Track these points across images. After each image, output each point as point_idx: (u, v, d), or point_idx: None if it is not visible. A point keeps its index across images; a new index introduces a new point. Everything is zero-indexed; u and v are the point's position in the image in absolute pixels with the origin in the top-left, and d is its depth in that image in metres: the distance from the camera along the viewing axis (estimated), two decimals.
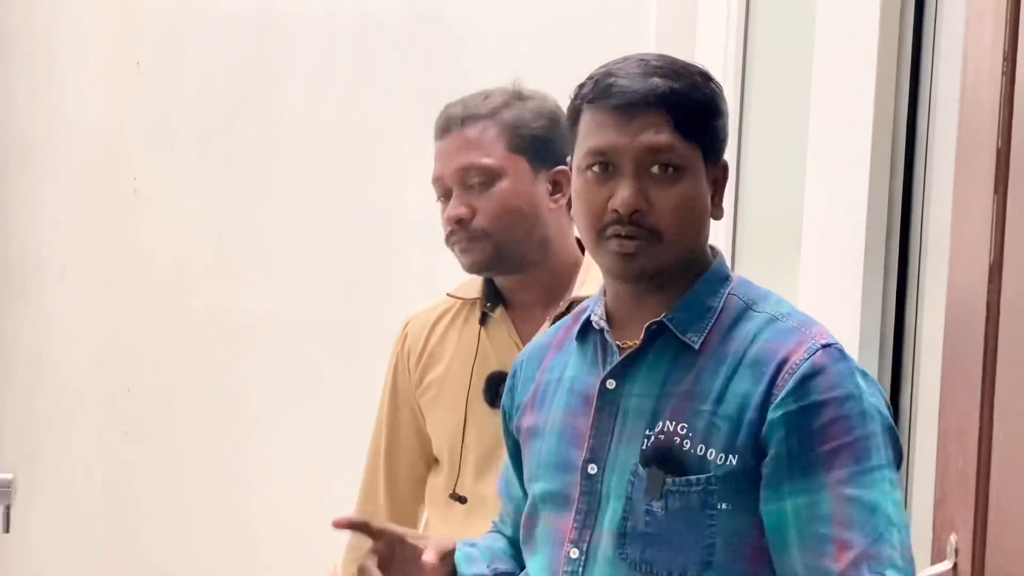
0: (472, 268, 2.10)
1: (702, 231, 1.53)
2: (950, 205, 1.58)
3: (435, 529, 2.21)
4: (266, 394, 3.64)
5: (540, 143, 2.12)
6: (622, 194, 1.46)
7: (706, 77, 1.51)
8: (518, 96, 2.15)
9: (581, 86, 1.52)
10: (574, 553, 1.50)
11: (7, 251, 3.73)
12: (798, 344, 1.44)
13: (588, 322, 1.59)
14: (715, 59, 3.06)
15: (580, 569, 1.49)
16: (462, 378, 2.14)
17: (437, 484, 2.22)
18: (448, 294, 2.22)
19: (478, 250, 2.06)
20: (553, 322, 2.06)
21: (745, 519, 1.42)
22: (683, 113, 1.47)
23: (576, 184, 1.52)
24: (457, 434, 2.13)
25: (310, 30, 3.61)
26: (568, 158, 1.57)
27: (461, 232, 2.06)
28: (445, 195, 2.11)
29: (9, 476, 2.29)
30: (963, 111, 1.46)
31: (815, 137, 2.33)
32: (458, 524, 2.14)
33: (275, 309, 3.65)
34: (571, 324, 1.66)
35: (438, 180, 2.12)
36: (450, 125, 2.11)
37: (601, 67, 1.51)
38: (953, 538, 1.38)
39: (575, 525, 1.51)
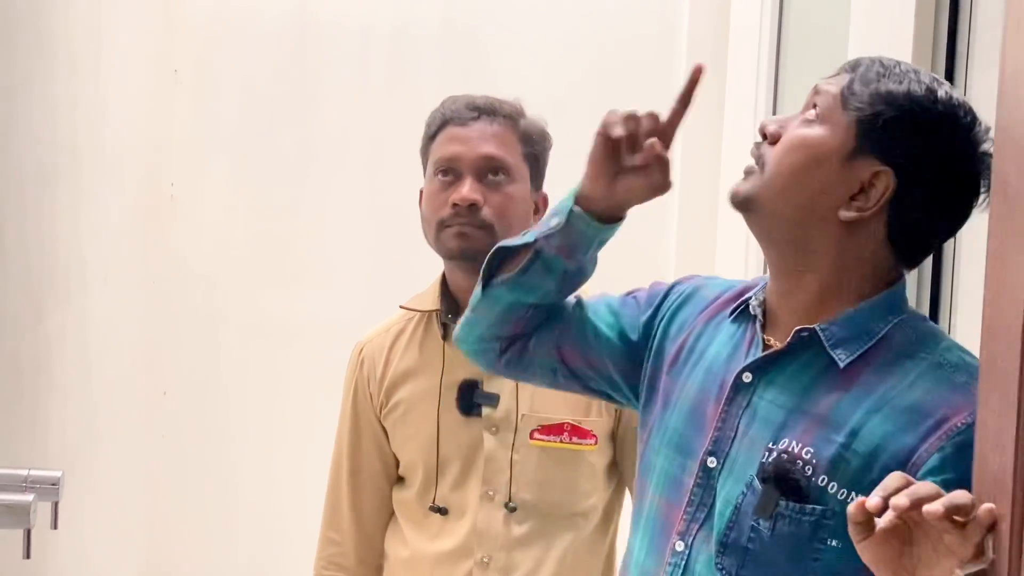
0: (461, 254, 2.09)
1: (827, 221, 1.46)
2: (984, 216, 1.60)
3: (411, 540, 2.19)
4: (302, 399, 3.66)
5: (539, 163, 2.15)
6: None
7: None
8: (524, 112, 2.16)
9: None
10: (679, 546, 1.48)
11: (55, 255, 3.78)
12: (963, 405, 1.36)
13: (745, 304, 1.54)
14: (747, 73, 3.08)
15: (683, 563, 1.47)
16: (431, 392, 2.14)
17: (408, 498, 2.20)
18: (402, 307, 2.22)
19: (477, 239, 2.06)
20: None
21: (851, 563, 1.31)
22: None
23: None
24: (431, 447, 2.13)
25: (347, 40, 3.64)
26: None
27: (467, 216, 2.07)
28: (451, 174, 2.10)
29: (58, 474, 2.31)
30: (1000, 113, 1.49)
31: None
32: (435, 533, 2.15)
33: (312, 314, 3.67)
34: (733, 297, 1.60)
35: (454, 159, 2.09)
36: (478, 112, 2.11)
37: None
38: (990, 537, 1.41)
39: (684, 517, 1.48)
